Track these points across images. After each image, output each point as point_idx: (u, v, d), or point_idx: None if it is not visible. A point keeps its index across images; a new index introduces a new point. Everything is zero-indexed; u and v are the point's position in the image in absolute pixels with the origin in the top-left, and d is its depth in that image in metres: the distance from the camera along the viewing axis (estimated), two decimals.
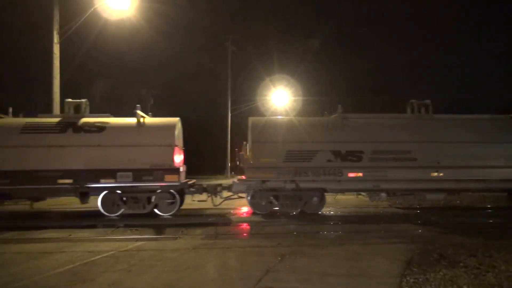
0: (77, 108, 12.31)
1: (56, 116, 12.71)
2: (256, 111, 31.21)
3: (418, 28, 69.06)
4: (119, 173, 11.33)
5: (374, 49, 68.79)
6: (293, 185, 11.96)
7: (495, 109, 21.04)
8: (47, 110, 16.43)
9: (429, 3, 67.77)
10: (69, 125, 11.66)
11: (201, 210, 12.88)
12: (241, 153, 12.88)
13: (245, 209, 13.32)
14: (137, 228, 9.87)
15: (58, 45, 16.36)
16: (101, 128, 11.69)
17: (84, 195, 11.63)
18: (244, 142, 12.96)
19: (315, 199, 12.16)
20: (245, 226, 10.70)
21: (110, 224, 10.58)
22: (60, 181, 11.20)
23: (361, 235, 8.97)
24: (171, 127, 11.99)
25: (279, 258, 6.73)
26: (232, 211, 13.04)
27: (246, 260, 6.72)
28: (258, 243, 8.15)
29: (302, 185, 12.00)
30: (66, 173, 11.23)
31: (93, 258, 6.79)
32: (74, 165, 11.30)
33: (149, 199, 11.64)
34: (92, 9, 15.74)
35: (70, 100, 12.37)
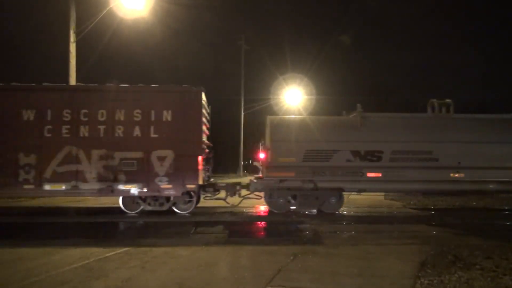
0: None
1: None
2: (269, 110, 31.15)
3: (431, 26, 68.02)
4: None
5: (388, 48, 68.03)
6: (311, 185, 11.93)
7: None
8: None
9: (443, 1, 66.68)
10: None
11: (214, 209, 12.94)
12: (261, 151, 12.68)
13: (259, 208, 13.33)
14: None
15: (74, 44, 16.60)
16: None
17: None
18: (262, 141, 12.87)
19: (333, 199, 12.12)
20: (257, 225, 10.70)
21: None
22: None
23: (374, 236, 8.90)
24: None
25: (291, 258, 6.72)
26: (245, 210, 13.06)
27: (258, 259, 6.72)
28: (270, 242, 8.13)
29: (320, 184, 11.96)
30: None
31: (107, 255, 6.87)
32: None
33: None
34: (107, 8, 15.93)
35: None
